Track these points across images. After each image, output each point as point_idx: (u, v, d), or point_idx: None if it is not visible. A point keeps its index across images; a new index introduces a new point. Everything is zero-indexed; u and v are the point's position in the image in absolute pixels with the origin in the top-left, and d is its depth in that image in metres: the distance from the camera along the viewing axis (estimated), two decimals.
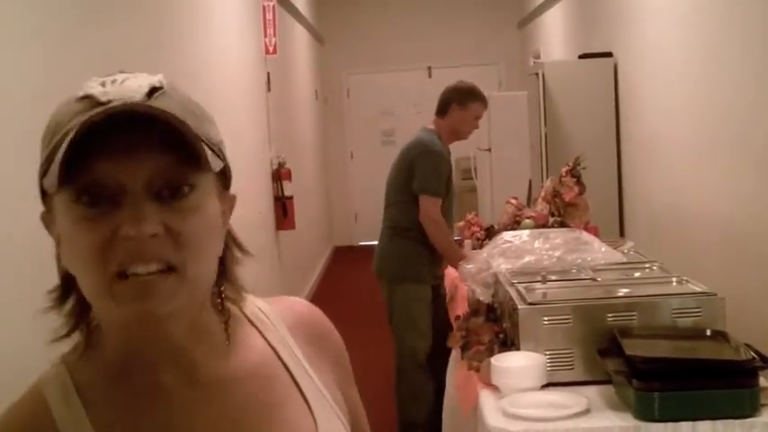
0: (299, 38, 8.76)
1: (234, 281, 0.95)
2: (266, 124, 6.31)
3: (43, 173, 0.83)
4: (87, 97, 0.83)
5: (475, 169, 7.66)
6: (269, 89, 6.45)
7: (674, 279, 2.61)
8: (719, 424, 2.05)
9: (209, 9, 4.78)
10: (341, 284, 9.00)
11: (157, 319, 0.82)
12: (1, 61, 2.19)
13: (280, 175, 6.38)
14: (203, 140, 0.83)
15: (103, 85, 0.84)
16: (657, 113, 4.63)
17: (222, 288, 0.93)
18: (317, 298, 8.32)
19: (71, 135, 0.78)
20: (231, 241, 0.94)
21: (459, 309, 3.26)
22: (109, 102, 0.82)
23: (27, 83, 2.31)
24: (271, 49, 6.32)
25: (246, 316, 0.97)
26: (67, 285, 0.89)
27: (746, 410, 2.07)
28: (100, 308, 0.85)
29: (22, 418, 0.86)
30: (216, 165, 0.85)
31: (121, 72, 0.87)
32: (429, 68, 11.05)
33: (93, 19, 2.87)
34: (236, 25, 5.54)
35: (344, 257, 10.54)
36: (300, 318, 1.01)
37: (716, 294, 2.41)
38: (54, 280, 0.91)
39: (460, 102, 4.22)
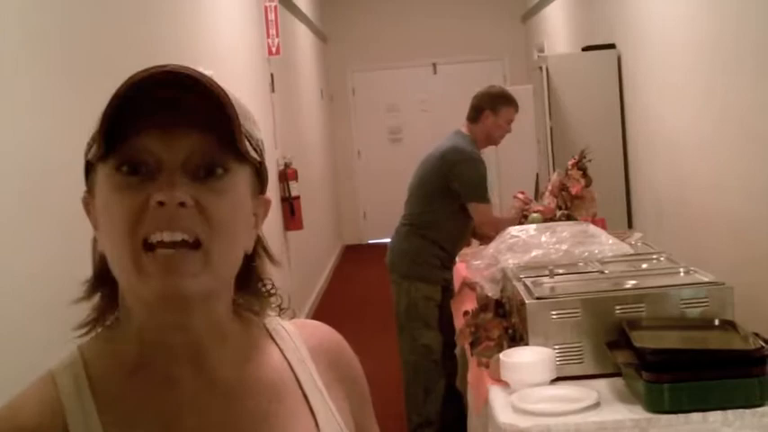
0: (302, 37, 8.76)
1: (259, 292, 0.97)
2: (271, 125, 6.32)
3: (89, 147, 0.87)
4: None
5: None
6: (273, 90, 6.45)
7: (681, 270, 2.60)
8: (730, 414, 2.05)
9: (211, 11, 4.78)
10: (351, 283, 9.00)
11: (182, 297, 0.83)
12: None
13: (286, 175, 6.38)
14: (244, 130, 0.86)
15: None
16: (662, 104, 4.61)
17: (244, 295, 0.96)
18: (327, 297, 8.32)
19: (108, 101, 0.82)
20: (261, 249, 0.97)
21: (466, 305, 3.26)
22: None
23: (24, 85, 2.32)
24: (274, 49, 6.32)
25: (268, 330, 0.99)
26: (100, 274, 0.91)
27: (756, 399, 2.06)
28: (127, 284, 0.86)
29: (31, 403, 0.86)
30: (253, 157, 0.89)
31: None
32: (434, 64, 11.04)
33: (91, 21, 2.87)
34: (239, 27, 5.55)
35: (354, 256, 10.54)
36: (322, 342, 1.02)
37: (724, 284, 2.40)
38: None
39: (492, 108, 4.21)
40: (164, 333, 0.88)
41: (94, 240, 0.91)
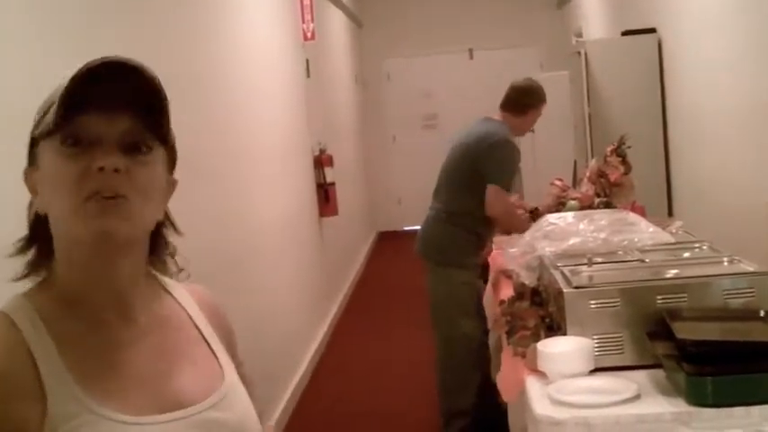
0: (337, 22, 8.73)
1: (162, 254, 1.20)
2: (306, 111, 6.30)
3: (36, 127, 1.07)
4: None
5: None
6: (308, 75, 6.43)
7: (725, 259, 2.53)
8: None
9: None
10: (385, 270, 8.98)
11: (115, 236, 1.04)
12: (4, 60, 2.16)
13: (321, 161, 6.36)
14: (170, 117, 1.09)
15: None
16: (703, 89, 4.52)
17: (152, 255, 1.19)
18: (361, 284, 8.31)
19: (65, 86, 1.00)
20: (168, 219, 1.20)
21: (502, 294, 3.21)
22: None
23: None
24: (309, 35, 6.30)
25: (162, 284, 1.23)
26: (34, 231, 1.11)
27: None
28: (70, 226, 1.05)
29: None
30: (171, 139, 1.12)
31: None
32: (470, 50, 10.96)
33: (125, 5, 2.86)
34: (273, 12, 5.52)
35: (388, 243, 10.52)
36: (203, 298, 1.28)
37: None
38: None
39: (537, 106, 4.26)
40: (94, 275, 1.08)
41: (30, 205, 1.11)
